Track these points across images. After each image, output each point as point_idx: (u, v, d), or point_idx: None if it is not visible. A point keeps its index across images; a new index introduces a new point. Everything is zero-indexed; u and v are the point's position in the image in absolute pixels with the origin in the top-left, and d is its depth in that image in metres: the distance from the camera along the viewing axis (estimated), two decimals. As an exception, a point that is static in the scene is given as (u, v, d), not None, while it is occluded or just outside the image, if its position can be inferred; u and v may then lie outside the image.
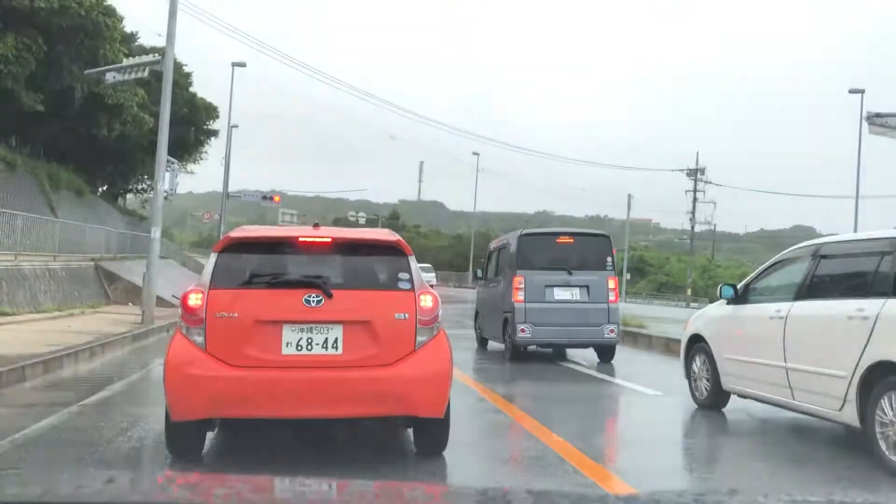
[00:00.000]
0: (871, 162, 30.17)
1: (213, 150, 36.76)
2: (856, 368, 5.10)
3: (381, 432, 5.65)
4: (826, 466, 5.21)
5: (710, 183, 52.63)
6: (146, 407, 6.85)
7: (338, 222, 59.66)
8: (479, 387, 8.41)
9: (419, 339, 4.67)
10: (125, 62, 17.60)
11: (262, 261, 4.91)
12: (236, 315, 4.50)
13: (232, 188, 33.52)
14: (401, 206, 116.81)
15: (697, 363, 7.36)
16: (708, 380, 7.14)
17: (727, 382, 6.87)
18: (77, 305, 16.90)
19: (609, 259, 11.30)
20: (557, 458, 5.10)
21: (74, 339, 10.53)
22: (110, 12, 23.02)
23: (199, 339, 4.49)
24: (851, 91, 28.71)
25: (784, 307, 6.05)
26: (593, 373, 10.15)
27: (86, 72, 19.33)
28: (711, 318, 7.34)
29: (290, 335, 4.51)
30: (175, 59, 16.53)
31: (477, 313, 13.65)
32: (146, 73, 16.12)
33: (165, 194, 17.70)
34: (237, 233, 5.04)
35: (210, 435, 5.10)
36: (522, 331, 10.70)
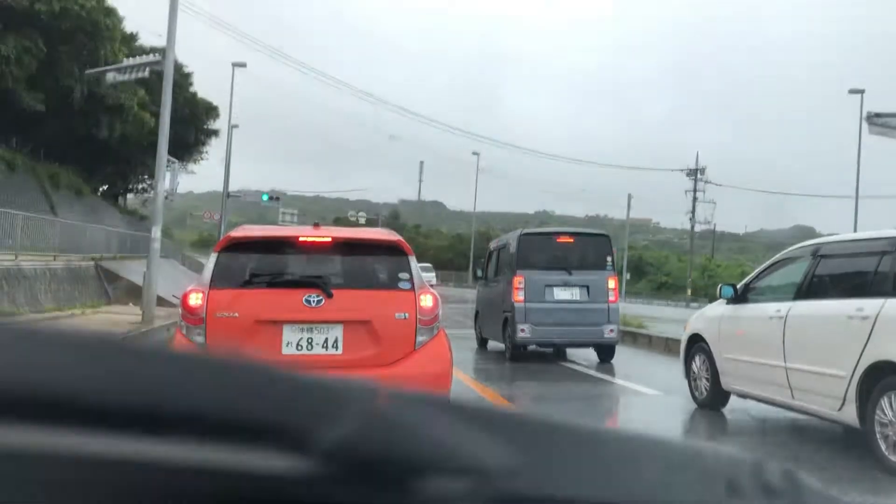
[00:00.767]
0: (871, 162, 30.20)
1: (214, 149, 36.73)
2: (855, 368, 5.10)
3: None
4: (826, 466, 5.22)
5: (710, 183, 52.69)
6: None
7: (338, 222, 59.67)
8: (480, 386, 8.42)
9: (419, 338, 4.67)
10: (125, 62, 17.60)
11: (262, 260, 4.91)
12: (236, 315, 4.51)
13: (232, 188, 33.50)
14: (401, 205, 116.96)
15: (697, 363, 7.37)
16: (708, 380, 7.15)
17: (727, 382, 6.87)
18: (77, 305, 16.91)
19: (609, 259, 11.30)
20: (557, 458, 5.10)
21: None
22: (110, 13, 23.05)
23: (200, 338, 4.50)
24: (851, 91, 28.73)
25: (784, 307, 6.06)
26: (593, 372, 10.15)
27: (86, 72, 19.35)
28: (711, 317, 7.35)
29: (290, 335, 4.52)
30: (175, 60, 16.54)
31: (477, 313, 13.65)
32: (146, 73, 16.13)
33: (166, 194, 17.73)
34: (237, 232, 5.04)
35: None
36: (522, 330, 10.70)
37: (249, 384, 0.47)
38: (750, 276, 7.06)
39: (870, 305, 5.09)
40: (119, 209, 34.11)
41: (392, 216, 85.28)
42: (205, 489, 0.44)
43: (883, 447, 4.87)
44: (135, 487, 0.43)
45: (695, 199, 52.57)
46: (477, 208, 60.05)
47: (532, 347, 11.56)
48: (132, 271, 21.65)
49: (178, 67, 24.00)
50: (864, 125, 23.25)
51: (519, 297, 10.81)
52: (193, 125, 33.06)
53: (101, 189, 33.28)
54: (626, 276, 51.60)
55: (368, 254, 5.04)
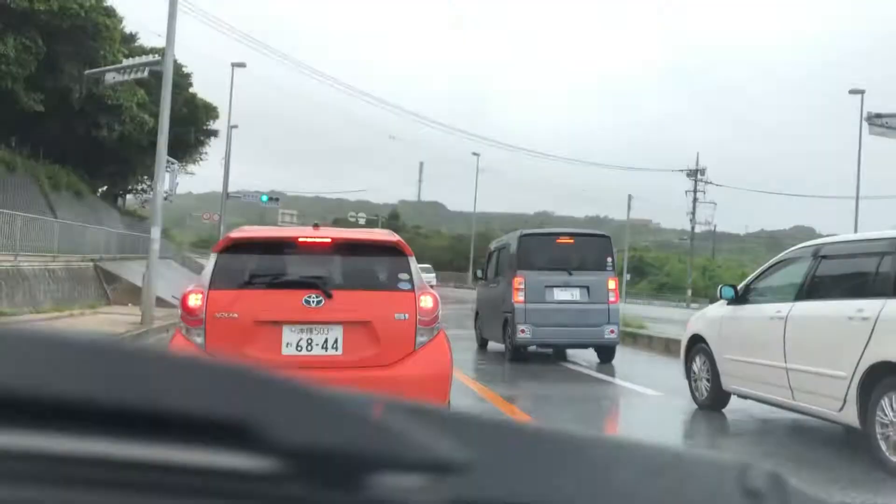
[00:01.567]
0: (872, 162, 30.20)
1: (213, 150, 36.72)
2: (856, 369, 5.09)
3: None
4: (826, 467, 5.21)
5: (711, 183, 52.69)
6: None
7: (338, 223, 59.68)
8: (480, 387, 8.41)
9: (419, 339, 4.66)
10: (125, 63, 17.61)
11: (261, 261, 4.91)
12: (236, 315, 4.50)
13: (232, 188, 33.47)
14: (401, 206, 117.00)
15: (698, 364, 7.36)
16: (708, 380, 7.14)
17: (727, 383, 6.87)
18: (76, 306, 16.89)
19: (609, 259, 11.29)
20: (557, 459, 5.09)
21: (74, 340, 10.51)
22: (110, 13, 23.04)
23: (199, 339, 4.49)
24: (852, 91, 28.72)
25: (784, 308, 6.05)
26: (593, 373, 10.14)
27: (86, 72, 19.35)
28: (712, 318, 7.34)
29: (289, 336, 4.51)
30: (175, 60, 16.53)
31: (477, 314, 13.64)
32: (146, 74, 16.14)
33: (165, 195, 17.71)
34: (237, 233, 5.02)
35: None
36: (522, 331, 10.69)
37: (208, 382, 0.47)
38: (750, 276, 7.05)
39: (870, 306, 5.08)
40: (118, 210, 34.10)
41: (392, 217, 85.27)
42: (168, 486, 0.44)
43: (883, 448, 4.86)
44: (98, 484, 0.44)
45: (695, 199, 52.59)
46: (477, 209, 60.07)
47: (532, 348, 11.55)
48: (131, 272, 21.65)
49: (177, 68, 24.00)
50: (865, 125, 23.25)
51: (519, 297, 10.79)
52: (193, 125, 33.04)
53: (100, 190, 33.28)
54: (627, 276, 51.59)
55: (368, 254, 5.02)
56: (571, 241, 11.42)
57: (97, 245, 22.95)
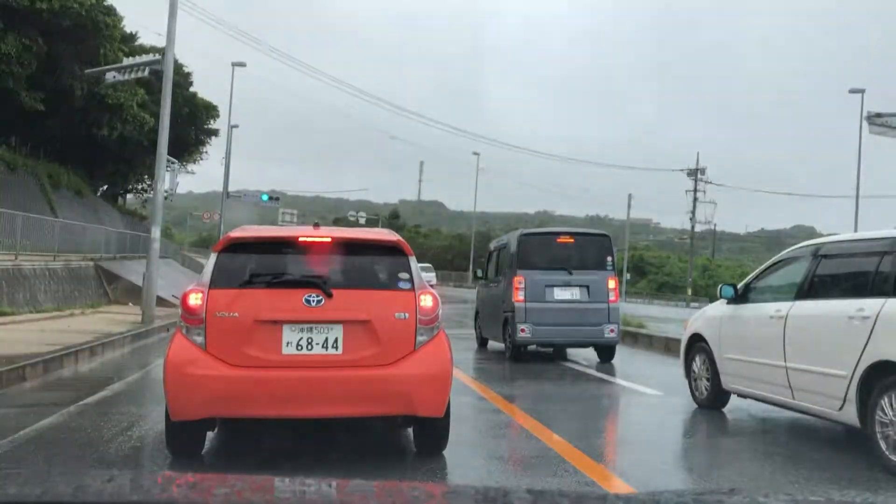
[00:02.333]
0: (872, 162, 30.20)
1: (214, 149, 36.82)
2: (856, 368, 5.09)
3: (381, 431, 5.65)
4: (826, 466, 5.20)
5: (711, 183, 52.71)
6: (146, 406, 6.85)
7: (338, 222, 59.69)
8: (480, 386, 8.41)
9: (419, 338, 4.68)
10: (125, 62, 17.61)
11: (262, 261, 4.90)
12: (236, 315, 4.50)
13: (232, 188, 33.50)
14: (401, 205, 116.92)
15: (697, 363, 7.36)
16: (708, 379, 7.14)
17: (727, 382, 6.87)
18: (77, 305, 16.91)
19: (609, 259, 11.28)
20: (558, 458, 5.10)
21: (74, 339, 10.53)
22: (110, 12, 23.05)
23: (200, 338, 4.50)
24: (852, 91, 28.73)
25: (784, 307, 6.05)
26: (593, 372, 10.14)
27: (86, 71, 19.34)
28: (711, 317, 7.34)
29: (290, 335, 4.52)
30: (175, 59, 16.53)
31: (477, 313, 13.65)
32: (146, 73, 16.12)
33: (165, 194, 17.72)
34: (237, 233, 5.03)
35: (210, 434, 5.10)
36: (523, 330, 10.69)
37: None
38: (750, 276, 7.05)
39: (870, 305, 5.08)
40: (119, 209, 34.12)
41: (392, 216, 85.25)
42: None
43: (883, 447, 4.86)
44: None
45: (695, 199, 52.61)
46: (477, 208, 60.08)
47: (532, 347, 11.55)
48: (132, 271, 21.66)
49: (177, 67, 24.02)
50: (865, 125, 23.24)
51: (519, 297, 10.80)
52: (193, 125, 33.08)
53: (100, 189, 33.29)
54: (627, 276, 51.62)
55: (368, 254, 5.03)
56: (571, 240, 11.42)
57: (97, 244, 22.96)
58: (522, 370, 10.26)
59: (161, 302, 16.33)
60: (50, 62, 20.93)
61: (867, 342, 5.02)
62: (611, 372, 10.22)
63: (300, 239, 4.92)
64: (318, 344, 4.52)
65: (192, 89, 32.91)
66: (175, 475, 1.39)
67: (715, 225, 57.98)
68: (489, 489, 1.24)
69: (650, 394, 8.38)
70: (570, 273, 10.98)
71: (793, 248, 6.71)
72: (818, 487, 4.59)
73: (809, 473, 4.98)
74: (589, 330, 10.86)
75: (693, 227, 53.87)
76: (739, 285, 6.99)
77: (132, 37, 28.63)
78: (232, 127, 32.59)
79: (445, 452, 5.04)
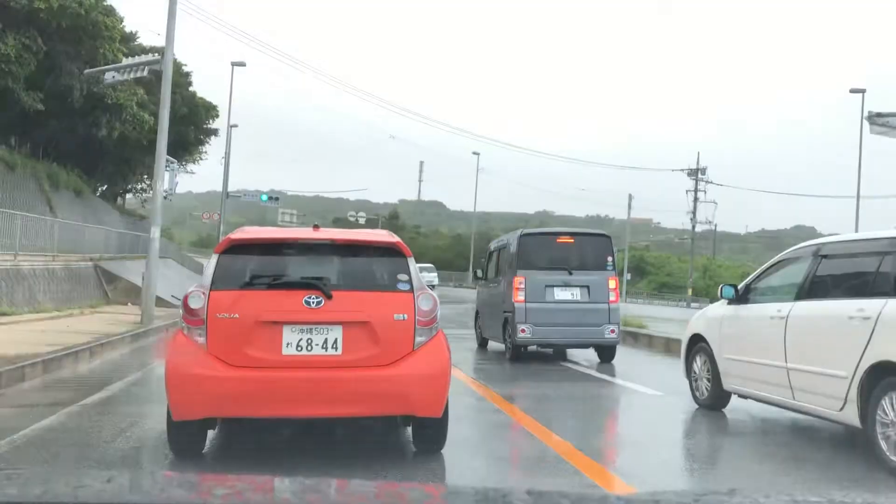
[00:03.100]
0: (872, 162, 30.20)
1: (213, 149, 36.82)
2: (856, 369, 5.09)
3: (380, 431, 5.66)
4: (826, 467, 5.20)
5: (711, 183, 52.69)
6: (146, 407, 6.84)
7: (338, 222, 59.66)
8: (480, 387, 8.41)
9: (418, 339, 4.71)
10: (124, 62, 17.60)
11: (262, 262, 4.94)
12: (237, 316, 4.53)
13: (231, 188, 33.51)
14: (401, 205, 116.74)
15: (698, 363, 7.35)
16: (708, 380, 7.13)
17: (728, 382, 6.86)
18: (76, 305, 16.90)
19: (609, 259, 11.27)
20: (557, 458, 5.10)
21: (74, 339, 10.52)
22: (110, 12, 23.04)
23: (201, 339, 4.53)
24: (852, 91, 28.73)
25: (785, 307, 6.05)
26: (594, 373, 10.14)
27: (85, 71, 19.33)
28: (712, 318, 7.33)
29: (290, 336, 4.54)
30: (174, 59, 16.52)
31: (477, 313, 13.65)
32: (145, 73, 16.12)
33: (165, 194, 17.69)
34: (238, 234, 5.06)
35: (211, 434, 5.10)
36: (523, 331, 10.69)
37: None
38: (751, 276, 7.04)
39: (871, 306, 5.08)
40: (118, 209, 34.09)
41: (392, 216, 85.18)
42: None
43: (884, 447, 4.86)
44: None
45: (696, 199, 52.59)
46: (477, 208, 60.07)
47: (532, 348, 11.55)
48: (131, 271, 21.66)
49: (177, 67, 24.02)
50: (866, 125, 23.23)
51: (519, 297, 10.79)
52: (192, 125, 33.04)
53: (100, 189, 33.25)
54: (628, 276, 51.62)
55: (367, 255, 5.06)
56: (571, 240, 11.41)
57: (97, 244, 22.95)
58: (522, 370, 10.26)
59: (160, 302, 16.33)
60: (49, 62, 20.91)
61: (868, 342, 5.01)
62: (611, 372, 10.22)
63: (300, 241, 4.99)
64: (317, 345, 4.55)
65: (191, 89, 32.87)
66: (175, 475, 1.38)
67: (715, 225, 57.97)
68: (489, 490, 1.23)
69: (650, 394, 8.38)
70: (571, 273, 10.97)
71: (793, 248, 6.70)
72: (819, 488, 4.58)
73: (810, 474, 4.98)
74: (589, 330, 10.85)
75: (694, 227, 53.85)
76: (740, 286, 6.99)
77: (132, 36, 28.60)
78: (231, 126, 32.61)
79: (445, 453, 5.04)
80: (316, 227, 5.24)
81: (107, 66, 17.75)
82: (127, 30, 27.53)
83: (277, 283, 4.78)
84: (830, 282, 5.89)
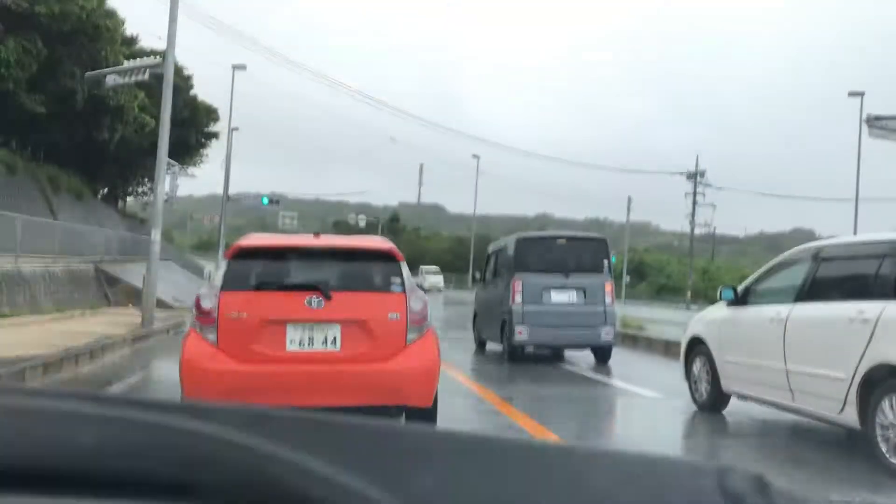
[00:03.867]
0: (871, 165, 30.23)
1: (214, 152, 36.81)
2: (856, 371, 5.10)
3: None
4: (826, 468, 5.21)
5: (710, 185, 52.67)
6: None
7: (338, 225, 59.76)
8: (478, 388, 8.42)
9: (410, 336, 5.10)
10: (126, 65, 17.61)
11: (268, 266, 5.36)
12: (245, 315, 4.94)
13: (232, 191, 33.45)
14: (401, 208, 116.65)
15: (697, 365, 7.36)
16: (708, 382, 7.14)
17: (727, 384, 6.87)
18: (77, 307, 16.91)
19: (605, 262, 11.36)
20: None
21: (74, 341, 10.53)
22: (111, 16, 23.09)
23: (212, 337, 4.92)
24: (851, 94, 28.74)
25: (784, 309, 6.06)
26: (591, 374, 10.15)
27: (86, 74, 19.34)
28: (711, 320, 7.35)
29: (293, 333, 4.94)
30: (175, 62, 16.55)
31: (475, 315, 13.68)
32: (146, 76, 16.13)
33: (166, 197, 17.73)
34: (245, 241, 5.48)
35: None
36: (520, 332, 10.75)
37: (127, 437, 0.49)
38: (750, 278, 7.05)
39: (871, 308, 5.09)
40: (119, 212, 34.14)
41: (392, 219, 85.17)
42: None
43: (884, 449, 4.87)
44: None
45: (695, 202, 52.58)
46: (477, 211, 60.02)
47: (530, 349, 11.58)
48: (132, 274, 21.66)
49: (178, 70, 24.03)
50: (865, 128, 23.26)
51: (517, 299, 10.87)
52: (193, 128, 33.09)
53: (101, 192, 33.28)
54: (627, 278, 51.60)
55: (364, 260, 5.51)
56: (568, 243, 11.50)
57: (98, 247, 22.97)
58: (520, 372, 10.28)
59: (161, 304, 16.34)
60: (50, 65, 20.94)
61: (868, 345, 5.03)
62: (609, 374, 10.23)
63: (302, 247, 5.43)
64: (318, 341, 4.95)
65: (192, 92, 32.91)
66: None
67: (714, 228, 57.99)
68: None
69: (649, 396, 8.39)
70: (567, 276, 11.05)
71: (792, 250, 6.71)
72: (818, 489, 4.59)
73: (810, 475, 4.99)
74: (585, 332, 10.93)
75: (692, 229, 53.86)
76: (739, 288, 7.00)
77: (133, 40, 28.63)
78: (232, 129, 32.61)
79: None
80: (317, 234, 5.84)
81: (108, 69, 17.77)
82: (128, 33, 27.57)
83: (282, 285, 5.20)
84: (830, 284, 5.90)
